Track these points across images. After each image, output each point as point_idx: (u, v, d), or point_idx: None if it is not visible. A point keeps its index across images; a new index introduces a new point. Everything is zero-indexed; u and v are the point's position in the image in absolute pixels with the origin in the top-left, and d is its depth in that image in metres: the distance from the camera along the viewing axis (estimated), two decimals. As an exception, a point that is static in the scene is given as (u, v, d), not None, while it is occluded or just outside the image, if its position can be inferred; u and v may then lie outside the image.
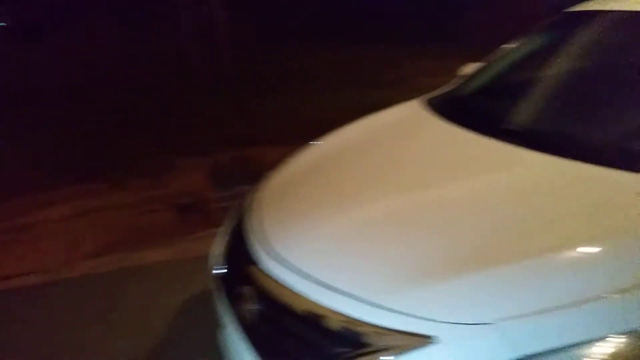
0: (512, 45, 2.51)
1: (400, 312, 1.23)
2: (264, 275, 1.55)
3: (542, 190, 1.53)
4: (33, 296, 2.91)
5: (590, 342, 1.09)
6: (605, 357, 1.07)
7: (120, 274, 3.09)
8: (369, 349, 1.21)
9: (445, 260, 1.32)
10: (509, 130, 1.88)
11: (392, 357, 1.18)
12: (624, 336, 1.09)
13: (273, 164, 2.33)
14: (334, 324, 1.30)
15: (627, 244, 1.27)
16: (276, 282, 1.50)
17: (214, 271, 1.94)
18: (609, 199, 1.42)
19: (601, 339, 1.09)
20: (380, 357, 1.19)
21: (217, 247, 2.02)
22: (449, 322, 1.17)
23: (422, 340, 1.17)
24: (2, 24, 11.83)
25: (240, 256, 1.75)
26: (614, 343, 1.09)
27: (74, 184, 4.48)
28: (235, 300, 1.68)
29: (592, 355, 1.08)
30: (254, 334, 1.55)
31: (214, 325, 2.12)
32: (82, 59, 9.41)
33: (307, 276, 1.44)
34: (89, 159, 5.13)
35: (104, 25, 11.62)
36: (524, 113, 2.05)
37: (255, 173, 3.42)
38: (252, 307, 1.56)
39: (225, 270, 1.88)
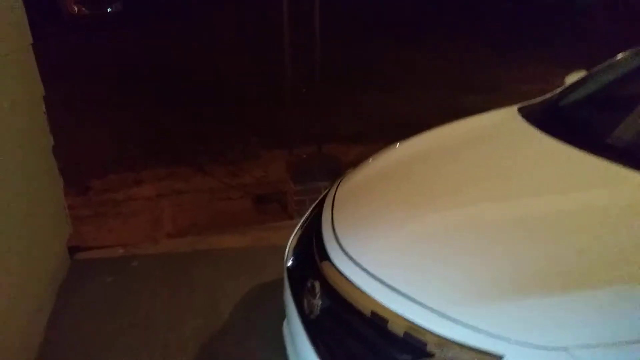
0: (622, 56, 2.33)
1: (469, 326, 1.19)
2: (333, 271, 1.56)
3: (633, 211, 1.42)
4: (114, 267, 3.10)
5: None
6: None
7: (195, 255, 3.22)
8: (431, 359, 1.18)
9: (524, 277, 1.27)
10: (609, 146, 1.77)
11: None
12: None
13: (353, 162, 2.32)
14: (398, 329, 1.28)
15: None
16: (344, 279, 1.50)
17: (287, 263, 1.97)
18: None
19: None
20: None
21: (293, 239, 2.05)
22: (520, 342, 1.12)
23: (490, 357, 1.12)
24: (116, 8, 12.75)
25: (311, 251, 1.77)
26: None
27: (162, 166, 4.74)
28: (301, 294, 1.70)
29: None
30: (315, 329, 1.57)
31: (280, 316, 2.16)
32: (187, 44, 9.83)
33: (376, 277, 1.43)
34: (177, 144, 5.40)
35: (215, 12, 12.07)
36: (623, 129, 1.90)
37: (334, 170, 3.44)
38: (316, 301, 1.58)
39: (296, 263, 1.91)
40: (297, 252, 1.96)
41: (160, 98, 6.81)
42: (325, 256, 1.65)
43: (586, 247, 1.32)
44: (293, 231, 2.11)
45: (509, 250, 1.39)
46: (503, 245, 1.41)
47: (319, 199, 2.21)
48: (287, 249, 2.04)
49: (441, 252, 1.46)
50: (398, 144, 2.34)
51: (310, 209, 2.20)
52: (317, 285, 1.61)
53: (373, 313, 1.35)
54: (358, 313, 1.40)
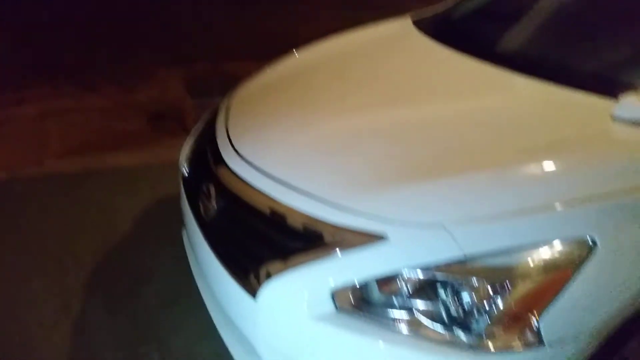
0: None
1: (356, 212, 1.27)
2: (229, 174, 1.57)
3: (513, 109, 1.55)
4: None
5: (533, 246, 1.14)
6: (545, 261, 1.12)
7: (86, 174, 3.07)
8: (323, 244, 1.25)
9: (403, 168, 1.36)
10: (498, 53, 1.87)
11: (345, 252, 1.21)
12: (566, 243, 1.14)
13: (248, 76, 2.28)
14: (293, 221, 1.33)
15: (582, 157, 1.32)
16: (241, 181, 1.51)
17: (181, 170, 1.95)
18: (577, 119, 1.45)
19: (544, 243, 1.14)
20: (333, 252, 1.22)
21: (186, 148, 2.01)
22: (400, 222, 1.21)
23: (374, 238, 1.20)
24: None
25: (205, 157, 1.76)
26: (556, 249, 1.13)
27: (46, 85, 4.33)
28: (197, 199, 1.70)
29: (533, 259, 1.13)
30: (212, 232, 1.59)
31: (180, 228, 2.15)
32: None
33: (271, 176, 1.45)
34: (64, 60, 4.93)
35: None
36: (512, 36, 2.02)
37: (230, 85, 3.35)
38: (212, 204, 1.58)
39: (190, 171, 1.89)
40: (191, 160, 1.94)
41: (45, 11, 6.11)
42: (220, 161, 1.64)
43: (461, 139, 1.44)
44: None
45: (391, 146, 1.47)
46: (388, 142, 1.49)
47: (213, 108, 2.17)
48: (181, 157, 2.00)
49: (331, 150, 1.51)
50: (294, 53, 2.32)
51: (203, 117, 2.16)
52: (212, 188, 1.61)
53: (272, 211, 1.39)
54: (256, 212, 1.43)
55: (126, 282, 2.34)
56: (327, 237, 1.26)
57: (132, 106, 4.01)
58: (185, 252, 2.04)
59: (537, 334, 1.11)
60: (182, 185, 1.90)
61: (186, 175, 1.91)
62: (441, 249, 1.16)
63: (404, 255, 1.18)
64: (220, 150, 1.67)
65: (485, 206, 1.20)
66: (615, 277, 1.15)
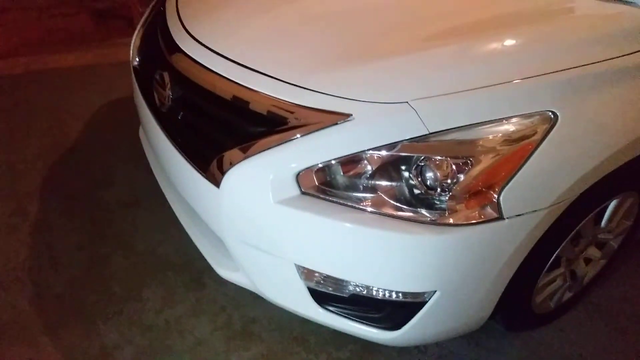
0: None
1: (321, 92, 1.22)
2: (186, 60, 1.47)
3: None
4: None
5: (495, 121, 1.13)
6: (506, 135, 1.12)
7: (30, 76, 2.88)
8: (287, 127, 1.21)
9: (366, 47, 1.31)
10: None
11: (310, 134, 1.18)
12: (527, 117, 1.14)
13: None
14: (255, 105, 1.28)
15: (542, 31, 1.30)
16: (196, 64, 1.43)
17: (132, 62, 1.83)
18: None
19: (506, 118, 1.13)
20: (298, 134, 1.19)
21: (136, 39, 1.88)
22: (365, 101, 1.18)
23: (339, 117, 1.17)
24: None
25: (157, 43, 1.64)
26: (517, 123, 1.13)
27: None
28: (151, 89, 1.61)
29: (494, 133, 1.12)
30: (168, 121, 1.52)
31: (135, 129, 2.06)
32: None
33: (234, 61, 1.38)
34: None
35: None
36: None
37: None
38: (167, 92, 1.50)
39: (141, 61, 1.78)
40: (142, 49, 1.82)
41: None
42: (173, 46, 1.54)
43: (417, 13, 1.41)
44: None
45: (354, 25, 1.40)
46: (349, 21, 1.43)
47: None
48: (131, 49, 1.88)
49: (291, 32, 1.43)
50: None
51: (151, 5, 2.01)
52: (166, 76, 1.52)
53: (233, 95, 1.32)
54: (216, 98, 1.36)
55: (82, 185, 2.27)
56: (291, 120, 1.21)
57: (75, 3, 3.71)
58: (143, 152, 1.98)
59: (498, 207, 1.13)
60: (133, 77, 1.79)
61: (137, 66, 1.80)
62: (406, 127, 1.13)
63: (369, 134, 1.15)
64: (173, 35, 1.56)
65: (448, 83, 1.18)
66: (575, 149, 1.16)
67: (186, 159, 1.41)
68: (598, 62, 1.22)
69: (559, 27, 1.33)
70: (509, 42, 1.28)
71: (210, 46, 1.45)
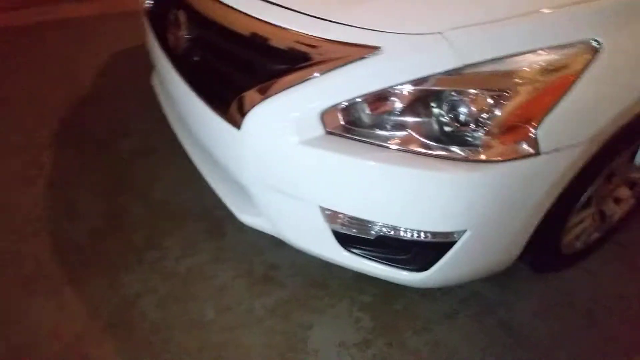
0: None
1: (346, 24, 1.15)
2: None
3: None
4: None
5: (534, 51, 1.07)
6: (546, 66, 1.06)
7: (42, 27, 2.81)
8: (312, 63, 1.15)
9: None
10: None
11: (336, 70, 1.12)
12: (569, 46, 1.07)
13: None
14: (277, 41, 1.22)
15: None
16: (214, 1, 1.35)
17: (144, 5, 1.75)
18: None
19: (546, 48, 1.07)
20: (323, 70, 1.13)
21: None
22: (394, 32, 1.11)
23: (367, 50, 1.11)
24: None
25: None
26: (558, 53, 1.07)
27: None
28: (166, 31, 1.54)
29: (533, 64, 1.06)
30: (185, 64, 1.46)
31: (146, 74, 2.00)
32: None
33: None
34: None
35: None
36: None
37: None
38: (182, 33, 1.44)
39: (154, 1, 1.71)
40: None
41: None
42: (185, -17, 1.46)
43: None
44: None
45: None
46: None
47: None
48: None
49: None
50: None
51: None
52: (182, 16, 1.45)
53: (253, 32, 1.26)
54: (236, 36, 1.29)
55: (97, 135, 2.24)
56: (315, 55, 1.15)
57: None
58: (157, 99, 1.93)
59: (535, 143, 1.08)
60: (147, 21, 1.72)
61: (149, 8, 1.73)
62: (439, 59, 1.07)
63: (399, 68, 1.09)
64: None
65: (484, 11, 1.10)
66: (618, 80, 1.10)
67: (205, 102, 1.36)
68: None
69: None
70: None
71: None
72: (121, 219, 1.86)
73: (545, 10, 1.09)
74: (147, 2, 1.75)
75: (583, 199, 1.34)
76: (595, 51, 1.07)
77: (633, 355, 1.45)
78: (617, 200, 1.60)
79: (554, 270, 1.64)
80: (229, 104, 1.27)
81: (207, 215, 1.87)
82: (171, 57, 1.52)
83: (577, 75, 1.07)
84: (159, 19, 1.62)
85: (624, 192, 1.58)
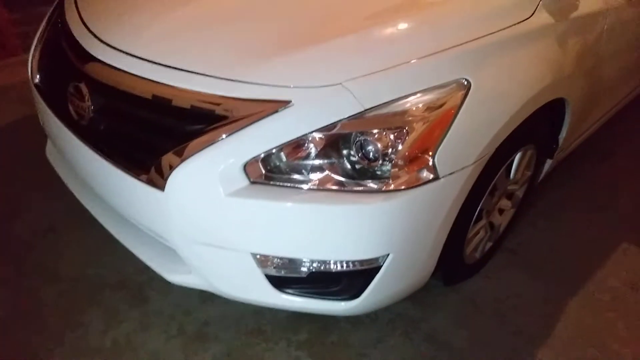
0: None
1: (256, 83, 1.26)
2: (102, 68, 1.43)
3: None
4: None
5: (420, 92, 1.25)
6: (432, 104, 1.25)
7: None
8: (229, 120, 1.24)
9: (291, 37, 1.36)
10: None
11: (253, 125, 1.22)
12: (446, 86, 1.27)
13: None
14: (194, 104, 1.29)
15: (445, 12, 1.43)
16: (118, 71, 1.39)
17: (33, 80, 1.73)
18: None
19: (429, 89, 1.26)
20: (241, 126, 1.22)
21: (34, 54, 1.78)
22: (302, 87, 1.24)
23: (279, 105, 1.22)
24: None
25: (65, 56, 1.57)
26: (439, 92, 1.26)
27: None
28: (61, 105, 1.54)
29: (421, 103, 1.25)
30: (91, 134, 1.47)
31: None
32: None
33: (152, 61, 1.37)
34: None
35: None
36: None
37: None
38: (86, 104, 1.45)
39: (45, 78, 1.69)
40: (45, 67, 1.73)
41: None
42: (86, 56, 1.48)
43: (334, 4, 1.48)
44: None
45: (273, 18, 1.45)
46: (267, 14, 1.47)
47: (53, 7, 1.92)
48: (29, 66, 1.77)
49: (213, 29, 1.44)
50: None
51: (45, 21, 1.90)
52: (82, 87, 1.46)
53: (168, 97, 1.31)
54: (146, 102, 1.34)
55: (-13, 219, 2.10)
56: (234, 113, 1.24)
57: None
58: (50, 174, 1.87)
59: (434, 169, 1.25)
60: (37, 96, 1.69)
61: (41, 83, 1.71)
62: (343, 107, 1.22)
63: (309, 118, 1.22)
64: (84, 45, 1.50)
65: (373, 63, 1.27)
66: (489, 109, 1.33)
67: (121, 169, 1.38)
68: (491, 33, 1.39)
69: (457, 6, 1.47)
70: (419, 23, 1.40)
71: (127, 50, 1.42)
72: (30, 304, 1.75)
73: (424, 57, 1.29)
74: (36, 77, 1.72)
75: (476, 212, 1.55)
76: (467, 87, 1.29)
77: (537, 345, 1.66)
78: (501, 211, 1.85)
79: (462, 280, 1.83)
80: (150, 168, 1.31)
81: (125, 283, 1.83)
82: (75, 129, 1.52)
83: (457, 109, 1.27)
84: (55, 93, 1.61)
85: (505, 203, 1.83)
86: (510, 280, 1.88)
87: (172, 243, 1.39)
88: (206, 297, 1.74)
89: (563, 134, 1.84)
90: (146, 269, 1.55)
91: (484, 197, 1.55)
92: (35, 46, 1.81)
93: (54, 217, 2.11)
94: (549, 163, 1.96)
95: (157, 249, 1.52)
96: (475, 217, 1.57)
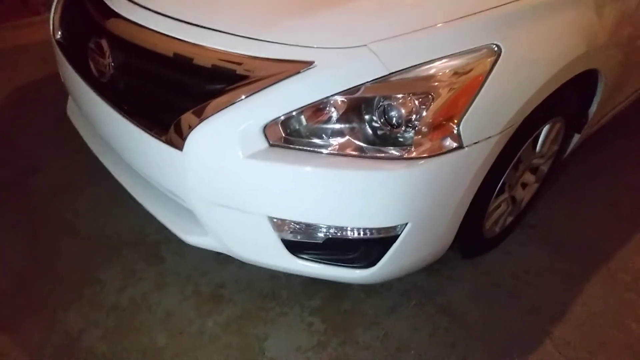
0: None
1: (279, 43, 1.23)
2: (124, 23, 1.41)
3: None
4: None
5: (448, 57, 1.21)
6: (460, 69, 1.20)
7: None
8: (251, 80, 1.21)
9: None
10: None
11: (274, 85, 1.19)
12: (476, 51, 1.22)
13: None
14: (217, 62, 1.26)
15: None
16: (140, 28, 1.37)
17: (55, 36, 1.72)
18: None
19: (458, 54, 1.21)
20: (262, 87, 1.20)
21: (56, 9, 1.76)
22: (325, 48, 1.20)
23: (301, 65, 1.19)
24: None
25: (87, 11, 1.55)
26: (468, 57, 1.22)
27: None
28: (83, 60, 1.53)
29: (449, 69, 1.20)
30: (111, 90, 1.45)
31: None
32: None
33: (175, 18, 1.34)
34: None
35: None
36: None
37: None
38: (107, 60, 1.43)
39: (66, 33, 1.68)
40: (67, 22, 1.71)
41: None
42: (108, 12, 1.46)
43: None
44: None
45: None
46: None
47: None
48: (51, 22, 1.76)
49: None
50: None
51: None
52: (104, 43, 1.44)
53: (189, 57, 1.29)
54: (169, 61, 1.32)
55: (9, 175, 2.12)
56: (255, 73, 1.21)
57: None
58: (70, 131, 1.88)
59: (458, 137, 1.21)
60: (58, 51, 1.68)
61: (62, 39, 1.70)
62: (367, 69, 1.18)
63: (332, 80, 1.18)
64: (105, 1, 1.48)
65: (400, 25, 1.23)
66: (518, 77, 1.27)
67: (140, 127, 1.37)
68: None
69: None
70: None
71: (149, 6, 1.40)
72: (49, 258, 1.78)
73: (453, 20, 1.24)
74: (57, 33, 1.71)
75: (499, 185, 1.51)
76: (497, 53, 1.23)
77: (553, 323, 1.64)
78: (524, 185, 1.81)
79: (480, 254, 1.80)
80: (169, 127, 1.29)
81: (141, 243, 1.84)
82: (96, 86, 1.51)
83: (485, 76, 1.22)
84: (76, 49, 1.59)
85: (529, 177, 1.79)
86: (529, 257, 1.84)
87: (189, 204, 1.39)
88: (222, 260, 1.74)
89: (593, 107, 1.77)
90: (163, 229, 1.55)
91: (508, 169, 1.50)
92: (57, 2, 1.79)
93: (73, 174, 2.12)
94: (576, 138, 1.89)
95: (174, 210, 1.52)
96: (497, 189, 1.53)
